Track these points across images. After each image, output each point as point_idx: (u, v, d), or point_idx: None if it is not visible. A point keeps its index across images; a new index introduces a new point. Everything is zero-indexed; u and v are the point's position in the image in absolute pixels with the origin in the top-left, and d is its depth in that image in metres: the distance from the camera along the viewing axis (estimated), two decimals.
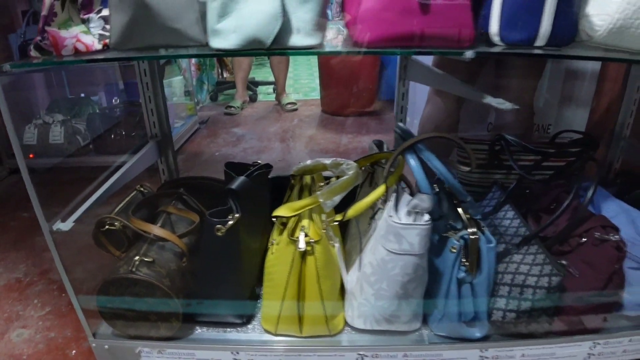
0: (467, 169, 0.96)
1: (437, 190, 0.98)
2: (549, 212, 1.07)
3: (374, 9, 0.72)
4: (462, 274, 0.91)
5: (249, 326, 1.02)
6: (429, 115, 1.45)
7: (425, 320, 1.00)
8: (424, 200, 0.82)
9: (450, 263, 0.92)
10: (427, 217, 0.85)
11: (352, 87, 2.66)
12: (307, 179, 1.07)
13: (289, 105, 3.04)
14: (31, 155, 1.95)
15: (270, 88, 3.28)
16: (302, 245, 0.88)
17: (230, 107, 2.95)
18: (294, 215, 0.93)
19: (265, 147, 2.13)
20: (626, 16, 0.77)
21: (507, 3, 0.76)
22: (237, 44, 0.74)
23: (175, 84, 2.24)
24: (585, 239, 0.96)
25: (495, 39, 0.78)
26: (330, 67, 2.75)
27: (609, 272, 0.93)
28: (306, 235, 0.90)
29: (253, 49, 0.74)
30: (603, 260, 0.93)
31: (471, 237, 0.89)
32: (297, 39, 0.74)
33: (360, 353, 0.96)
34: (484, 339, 0.97)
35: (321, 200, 0.91)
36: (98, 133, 1.96)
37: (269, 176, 1.17)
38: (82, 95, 2.11)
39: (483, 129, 1.55)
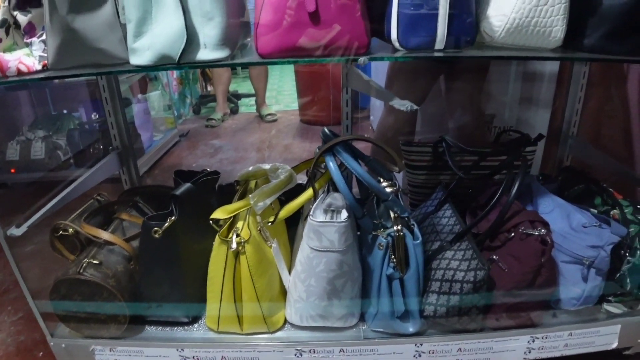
0: (397, 169, 1.00)
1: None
2: (485, 209, 1.10)
3: (269, 23, 0.77)
4: (390, 271, 0.94)
5: (195, 325, 1.07)
6: (382, 121, 1.49)
7: (363, 317, 1.04)
8: (337, 199, 0.86)
9: (379, 260, 0.95)
10: (344, 214, 0.89)
11: (328, 96, 2.72)
12: (252, 183, 1.12)
13: (269, 117, 3.11)
14: (13, 170, 2.06)
15: (252, 100, 3.36)
16: (233, 245, 0.93)
17: (211, 119, 3.04)
18: (229, 217, 0.98)
19: (241, 158, 2.20)
20: (522, 15, 0.80)
21: (402, 11, 0.80)
22: (151, 61, 0.80)
23: (154, 99, 2.33)
24: (513, 234, 0.99)
25: (396, 44, 0.82)
26: (305, 78, 2.82)
27: (534, 265, 0.95)
28: (237, 236, 0.94)
29: (165, 64, 0.81)
30: (528, 254, 0.96)
31: (396, 234, 0.93)
32: (204, 54, 0.80)
33: (298, 349, 1.00)
34: (419, 333, 1.00)
35: (252, 202, 0.96)
36: (78, 148, 2.05)
37: (223, 183, 1.23)
38: (65, 111, 2.22)
39: (443, 133, 1.57)
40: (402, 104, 0.79)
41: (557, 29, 0.82)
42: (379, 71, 1.43)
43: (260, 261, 0.97)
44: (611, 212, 1.05)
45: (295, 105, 3.12)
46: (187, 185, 1.06)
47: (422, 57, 0.84)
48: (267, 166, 1.07)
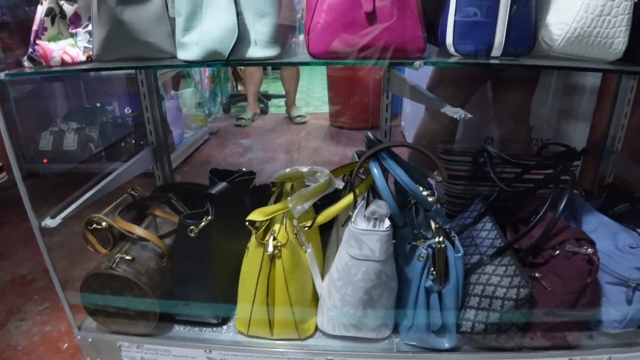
0: (439, 178, 0.97)
1: (412, 199, 1.00)
2: (527, 224, 1.06)
3: (324, 22, 0.75)
4: (429, 283, 0.92)
5: (225, 327, 1.05)
6: (422, 128, 1.46)
7: (396, 329, 1.01)
8: (381, 207, 0.84)
9: (418, 272, 0.92)
10: (387, 223, 0.87)
11: (359, 100, 2.70)
12: (287, 186, 1.10)
13: (298, 118, 3.11)
14: (45, 160, 2.08)
15: (282, 101, 3.36)
16: (270, 248, 0.91)
17: (241, 119, 3.04)
18: (265, 220, 0.96)
19: (270, 158, 2.18)
20: (584, 25, 0.77)
21: (460, 15, 0.77)
22: (199, 56, 0.79)
23: (186, 96, 2.34)
24: (558, 252, 0.95)
25: (451, 49, 0.80)
26: (337, 81, 2.80)
27: (579, 286, 0.92)
28: (274, 239, 0.92)
29: (214, 60, 0.79)
30: (573, 273, 0.92)
31: (437, 246, 0.90)
32: (254, 51, 0.79)
33: (329, 358, 0.97)
34: (454, 349, 0.97)
35: (290, 205, 0.94)
36: (110, 141, 2.07)
37: (257, 184, 1.22)
38: (98, 104, 2.24)
39: (482, 143, 1.54)
40: (455, 112, 0.77)
41: (619, 41, 0.79)
42: (412, 76, 1.40)
43: (296, 266, 0.94)
44: None
45: (324, 108, 3.11)
46: (223, 184, 1.04)
47: (477, 64, 0.81)
48: (304, 169, 1.05)
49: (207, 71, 2.90)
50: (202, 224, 0.94)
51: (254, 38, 0.78)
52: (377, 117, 2.74)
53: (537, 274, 0.96)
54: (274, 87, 3.46)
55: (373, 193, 1.00)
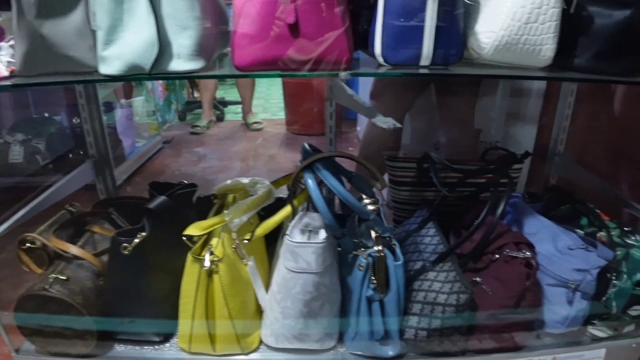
0: (379, 186, 0.97)
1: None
2: (469, 228, 1.07)
3: (247, 34, 0.74)
4: (370, 292, 0.91)
5: (167, 344, 1.02)
6: (367, 134, 1.46)
7: (342, 339, 1.00)
8: (314, 219, 0.83)
9: (359, 281, 0.92)
10: (323, 235, 0.86)
11: (315, 106, 2.69)
12: (230, 198, 1.08)
13: (255, 125, 3.08)
14: None
15: (239, 108, 3.33)
16: (206, 263, 0.89)
17: (196, 126, 3.00)
18: (203, 234, 0.94)
19: (225, 167, 2.15)
20: (511, 32, 0.78)
21: (387, 25, 0.77)
22: (121, 70, 0.76)
23: (138, 104, 2.28)
24: (497, 256, 0.96)
25: (380, 60, 0.79)
26: (293, 87, 2.79)
27: (518, 289, 0.92)
28: (211, 254, 0.90)
29: (136, 74, 0.77)
30: (512, 277, 0.93)
31: (377, 255, 0.89)
32: (177, 64, 0.77)
33: None
34: (399, 357, 0.97)
35: (227, 219, 0.92)
36: (58, 153, 2.00)
37: (202, 195, 1.19)
38: (46, 115, 2.16)
39: (430, 148, 1.55)
40: (385, 122, 0.76)
41: (547, 48, 0.80)
42: (367, 83, 1.40)
43: (235, 280, 0.93)
44: (598, 235, 1.03)
45: (282, 114, 3.10)
46: (162, 198, 1.02)
47: (407, 74, 0.80)
48: (246, 180, 1.03)
49: None
50: (136, 240, 0.91)
51: (176, 51, 0.76)
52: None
53: (478, 279, 0.97)
54: (232, 93, 3.41)
55: (313, 204, 0.99)
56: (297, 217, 0.89)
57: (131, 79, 0.77)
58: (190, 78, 0.71)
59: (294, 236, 0.86)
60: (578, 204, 1.12)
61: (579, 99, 1.25)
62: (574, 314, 0.99)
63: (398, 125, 0.75)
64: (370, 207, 0.99)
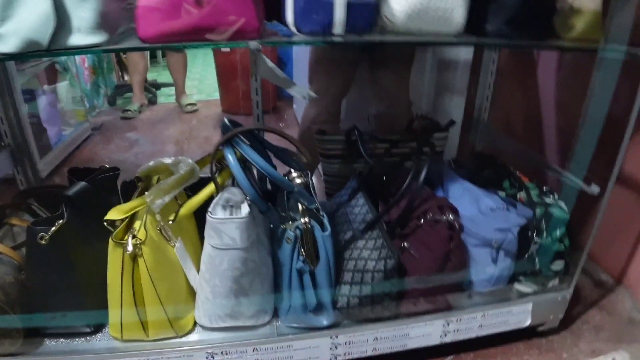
0: (304, 159, 0.97)
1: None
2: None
3: (149, 4, 0.71)
4: (300, 264, 0.91)
5: (99, 335, 0.99)
6: (305, 111, 1.46)
7: (277, 313, 1.00)
8: (235, 194, 0.82)
9: (289, 254, 0.92)
10: (245, 210, 0.85)
11: (250, 85, 2.65)
12: (154, 180, 1.05)
13: (189, 107, 3.00)
14: None
15: (172, 90, 3.21)
16: (129, 247, 0.87)
17: (127, 111, 2.88)
18: (124, 218, 0.91)
19: (159, 151, 2.09)
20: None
21: None
22: (18, 47, 0.72)
23: (62, 90, 2.16)
24: (422, 221, 0.98)
25: (293, 29, 0.78)
26: (226, 66, 2.73)
27: (443, 251, 0.96)
28: (134, 237, 0.88)
29: (34, 51, 0.72)
30: (436, 240, 0.96)
31: (304, 227, 0.90)
32: (77, 38, 0.73)
33: (209, 352, 0.95)
34: (334, 325, 0.98)
35: (148, 200, 0.90)
36: None
37: (128, 180, 1.15)
38: None
39: (365, 122, 1.57)
40: (300, 92, 0.76)
41: (457, 14, 0.81)
42: (300, 59, 1.39)
43: (161, 263, 0.91)
44: (518, 195, 1.07)
45: (217, 95, 3.01)
46: (81, 184, 0.98)
47: (318, 42, 0.80)
48: (169, 160, 1.01)
49: (86, 62, 2.71)
50: (53, 229, 0.87)
51: (76, 25, 0.73)
52: (268, 101, 2.70)
53: (405, 244, 0.99)
54: (164, 75, 3.26)
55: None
56: (219, 195, 0.88)
57: (30, 57, 0.73)
58: (93, 53, 0.68)
59: (215, 213, 0.85)
60: (500, 168, 1.16)
61: (501, 69, 1.29)
62: (499, 272, 1.03)
63: (312, 95, 0.75)
64: (298, 181, 0.99)
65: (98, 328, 1.00)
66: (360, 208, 1.07)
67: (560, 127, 1.34)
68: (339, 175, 1.24)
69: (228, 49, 2.46)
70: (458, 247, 0.97)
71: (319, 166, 1.35)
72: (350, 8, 0.77)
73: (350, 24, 0.79)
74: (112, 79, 3.27)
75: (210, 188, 0.93)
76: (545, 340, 1.16)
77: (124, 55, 3.30)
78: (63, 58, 2.29)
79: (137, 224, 0.91)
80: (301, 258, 0.91)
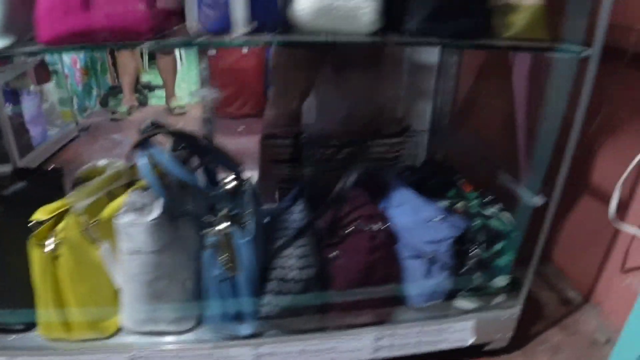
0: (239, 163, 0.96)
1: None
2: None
3: (45, 7, 0.72)
4: (219, 271, 0.90)
5: (32, 333, 1.01)
6: (266, 115, 1.44)
7: (201, 319, 0.99)
8: (143, 196, 0.81)
9: (208, 260, 0.90)
10: (155, 213, 0.84)
11: (239, 88, 2.65)
12: None
13: (177, 109, 3.03)
14: None
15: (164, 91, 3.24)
16: (47, 248, 0.87)
17: (116, 112, 2.92)
18: (49, 219, 0.92)
19: None
20: None
21: None
22: None
23: (49, 91, 2.21)
24: (351, 229, 0.95)
25: (198, 28, 0.77)
26: (214, 69, 2.73)
27: (364, 262, 0.92)
28: (54, 238, 0.89)
29: None
30: (360, 250, 0.92)
31: (222, 233, 0.88)
32: None
33: (131, 355, 0.95)
34: (257, 336, 0.96)
35: (70, 201, 0.90)
36: None
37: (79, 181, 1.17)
38: None
39: (332, 125, 1.53)
40: (200, 94, 0.75)
41: (366, 12, 0.78)
42: None
43: (82, 264, 0.91)
44: (456, 205, 1.02)
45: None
46: (20, 184, 1.00)
47: (220, 43, 0.79)
48: (103, 162, 1.01)
49: (77, 63, 2.78)
50: None
51: None
52: (259, 103, 2.66)
53: (334, 253, 0.96)
54: (159, 77, 3.30)
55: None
56: (129, 197, 0.87)
57: None
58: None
59: (124, 216, 0.84)
60: (451, 175, 1.11)
61: (464, 72, 1.24)
62: (434, 285, 0.99)
63: (213, 95, 0.74)
64: (230, 185, 0.98)
65: (30, 326, 1.01)
66: (297, 214, 1.05)
67: (517, 134, 1.28)
68: (288, 180, 1.22)
69: (214, 52, 2.46)
70: (384, 258, 0.93)
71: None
72: (253, 6, 0.75)
73: (255, 21, 0.77)
74: (106, 81, 3.32)
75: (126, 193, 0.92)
76: None
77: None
78: (52, 59, 2.37)
79: (60, 225, 0.92)
80: (221, 265, 0.90)
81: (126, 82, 2.96)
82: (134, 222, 0.83)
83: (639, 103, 1.08)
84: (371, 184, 1.07)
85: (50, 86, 2.24)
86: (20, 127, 1.86)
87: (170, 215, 0.87)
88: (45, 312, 0.93)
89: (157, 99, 3.34)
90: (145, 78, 3.57)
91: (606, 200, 1.05)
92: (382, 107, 1.51)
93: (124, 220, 0.83)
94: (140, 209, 0.84)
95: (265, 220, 1.08)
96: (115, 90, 3.27)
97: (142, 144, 0.85)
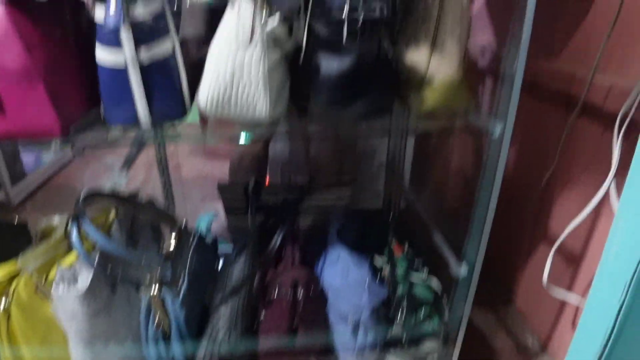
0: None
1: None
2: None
3: None
4: (152, 332, 0.96)
5: None
6: (232, 159, 1.47)
7: None
8: (75, 266, 0.88)
9: (144, 319, 0.97)
10: (84, 283, 0.91)
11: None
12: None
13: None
14: None
15: None
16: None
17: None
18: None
19: (132, 176, 2.09)
20: (218, 91, 0.78)
21: (103, 87, 0.79)
22: None
23: None
24: (275, 292, 0.98)
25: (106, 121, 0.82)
26: None
27: (287, 327, 0.95)
28: (6, 297, 0.97)
29: None
30: (280, 315, 0.95)
31: (152, 294, 0.94)
32: None
33: None
34: None
35: (20, 264, 0.98)
36: None
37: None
38: None
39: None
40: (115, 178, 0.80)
41: (261, 104, 0.80)
42: None
43: (34, 324, 0.98)
44: (383, 269, 1.03)
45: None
46: None
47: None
48: (56, 220, 1.09)
49: None
50: None
51: None
52: None
53: (262, 315, 1.00)
54: None
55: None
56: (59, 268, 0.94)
57: None
58: None
59: (56, 287, 0.91)
60: (383, 233, 1.12)
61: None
62: (359, 348, 0.99)
63: (124, 179, 0.79)
64: (169, 244, 1.03)
65: None
66: (240, 267, 1.09)
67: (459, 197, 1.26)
68: (244, 230, 1.26)
69: None
70: (307, 322, 0.96)
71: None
72: (153, 101, 0.79)
73: (156, 114, 0.81)
74: None
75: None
76: None
77: None
78: None
79: (14, 282, 1.00)
80: (154, 326, 0.96)
81: None
82: (64, 292, 0.89)
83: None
84: (312, 237, 1.09)
85: None
86: (12, 153, 1.85)
87: (104, 282, 0.94)
88: None
89: None
90: None
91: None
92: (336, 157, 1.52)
93: (56, 290, 0.90)
94: (71, 279, 0.91)
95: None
96: None
97: (76, 216, 0.92)
